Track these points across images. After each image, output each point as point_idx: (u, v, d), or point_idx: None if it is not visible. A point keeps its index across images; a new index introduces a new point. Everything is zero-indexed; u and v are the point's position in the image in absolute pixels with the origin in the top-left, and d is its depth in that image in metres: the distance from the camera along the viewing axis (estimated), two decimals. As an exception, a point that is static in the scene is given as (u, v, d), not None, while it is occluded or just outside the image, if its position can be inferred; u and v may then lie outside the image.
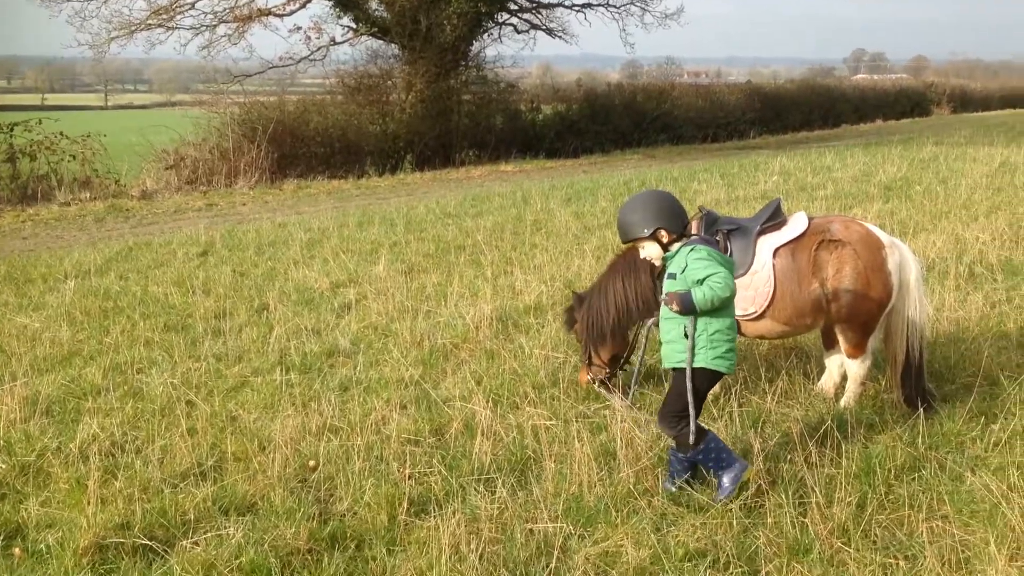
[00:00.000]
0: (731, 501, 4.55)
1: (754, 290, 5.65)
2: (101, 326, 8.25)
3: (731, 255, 5.60)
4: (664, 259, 4.69)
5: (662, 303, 4.60)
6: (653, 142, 29.94)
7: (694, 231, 5.57)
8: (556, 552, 4.13)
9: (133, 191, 18.81)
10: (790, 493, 4.54)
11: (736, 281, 5.51)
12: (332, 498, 4.85)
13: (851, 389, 5.90)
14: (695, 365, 4.52)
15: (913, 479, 4.69)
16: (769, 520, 4.35)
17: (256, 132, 20.74)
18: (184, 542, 4.33)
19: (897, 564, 3.95)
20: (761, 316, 5.73)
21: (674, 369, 4.67)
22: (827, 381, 6.15)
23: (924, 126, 36.54)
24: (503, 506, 4.59)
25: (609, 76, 47.28)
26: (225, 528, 4.42)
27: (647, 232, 4.61)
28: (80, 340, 7.81)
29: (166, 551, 4.27)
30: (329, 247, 11.80)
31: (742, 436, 5.36)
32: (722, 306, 4.48)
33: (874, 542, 4.18)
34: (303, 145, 22.20)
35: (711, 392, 5.89)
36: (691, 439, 4.55)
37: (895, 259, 5.68)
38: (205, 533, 4.41)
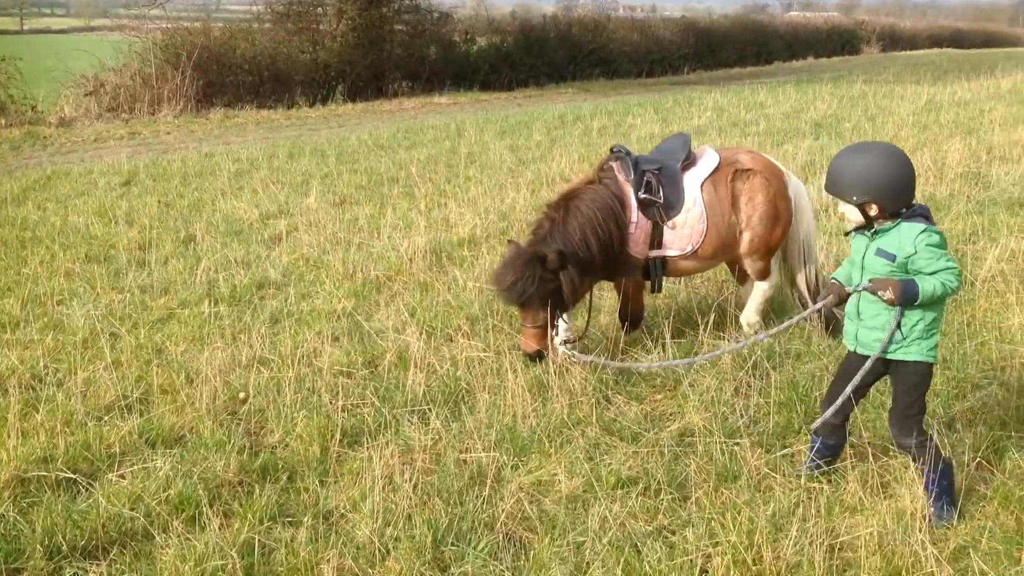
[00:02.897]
0: (662, 430, 4.62)
1: (690, 228, 5.57)
2: (19, 256, 7.98)
3: (663, 196, 5.48)
4: (872, 232, 3.87)
5: (859, 288, 3.88)
6: (588, 76, 29.80)
7: (618, 173, 5.50)
8: (490, 481, 4.14)
9: (51, 118, 18.12)
10: (719, 422, 4.61)
11: (673, 220, 5.50)
12: (263, 430, 4.79)
13: (757, 300, 5.95)
14: (905, 358, 3.85)
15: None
16: (699, 448, 4.41)
17: (180, 58, 20.05)
18: (110, 475, 4.25)
19: (821, 488, 4.05)
20: (693, 254, 5.70)
21: (895, 361, 3.92)
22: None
23: (854, 64, 36.91)
24: (437, 437, 4.58)
25: (544, 8, 46.61)
26: (152, 461, 4.34)
27: (856, 200, 3.80)
28: (-3, 271, 7.54)
29: (91, 484, 4.18)
30: (258, 178, 11.54)
31: (675, 368, 5.42)
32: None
33: (799, 469, 4.27)
34: (230, 73, 21.54)
35: (643, 327, 5.95)
36: (822, 424, 4.10)
37: (793, 185, 5.89)
38: (131, 466, 4.32)
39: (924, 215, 3.81)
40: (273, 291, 7.08)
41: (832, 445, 4.21)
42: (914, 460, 3.92)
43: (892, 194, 3.75)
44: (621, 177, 5.51)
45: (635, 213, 5.43)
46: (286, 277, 7.39)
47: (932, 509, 3.84)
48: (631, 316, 5.87)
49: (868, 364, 3.88)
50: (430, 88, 25.29)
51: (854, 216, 3.87)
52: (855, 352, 4.02)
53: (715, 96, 20.50)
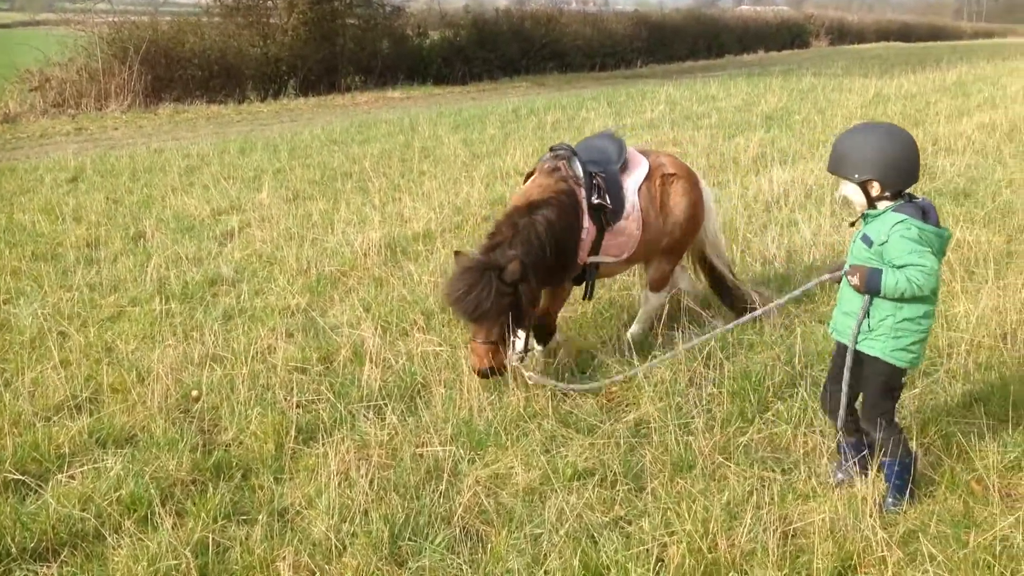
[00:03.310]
0: (617, 422, 4.65)
1: (628, 235, 5.39)
2: (-38, 255, 7.80)
3: (609, 202, 5.26)
4: (863, 216, 3.87)
5: (844, 272, 3.87)
6: (542, 70, 29.85)
7: (564, 171, 5.24)
8: (446, 475, 4.14)
9: (-6, 114, 17.73)
10: (674, 412, 4.65)
11: (614, 226, 5.30)
12: (216, 428, 4.74)
13: (648, 313, 5.85)
14: (868, 352, 3.84)
15: (790, 395, 4.85)
16: (655, 439, 4.45)
17: (127, 53, 19.73)
18: (60, 476, 4.17)
19: (774, 477, 4.10)
20: (624, 259, 5.55)
21: (863, 353, 3.90)
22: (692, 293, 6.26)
23: (803, 57, 37.36)
24: (393, 432, 4.56)
25: (497, 2, 46.58)
26: (103, 461, 4.27)
27: (857, 178, 3.76)
28: (-60, 270, 7.36)
29: (40, 485, 4.10)
30: (209, 173, 11.40)
31: (630, 361, 5.45)
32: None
33: (753, 457, 4.32)
34: (179, 67, 21.24)
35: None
36: (839, 425, 4.00)
37: (703, 188, 5.95)
38: (82, 467, 4.25)
39: (920, 209, 3.73)
40: (226, 288, 7.00)
41: (855, 443, 4.06)
42: (878, 449, 3.93)
43: (893, 171, 3.70)
44: (568, 181, 5.25)
45: (587, 218, 5.22)
46: (239, 273, 7.31)
47: (889, 498, 3.90)
48: (548, 328, 5.49)
49: (848, 360, 3.86)
50: (383, 82, 25.17)
51: (857, 198, 3.81)
52: (836, 340, 4.04)
53: (668, 89, 20.63)
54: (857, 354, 3.87)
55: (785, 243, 7.47)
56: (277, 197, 9.97)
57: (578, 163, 5.31)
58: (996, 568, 3.39)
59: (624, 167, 5.51)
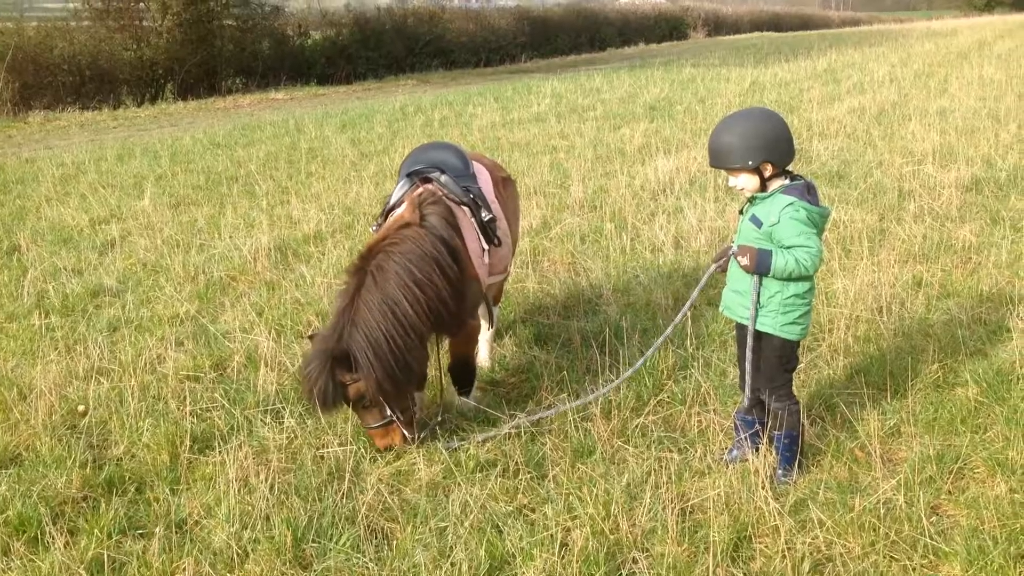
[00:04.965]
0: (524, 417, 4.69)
1: (506, 247, 4.94)
2: None
3: (485, 223, 4.72)
4: (751, 199, 3.92)
5: (731, 252, 3.94)
6: (427, 67, 29.76)
7: (442, 197, 4.56)
8: (348, 475, 4.10)
9: None
10: (573, 400, 4.72)
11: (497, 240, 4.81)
12: (106, 443, 4.59)
13: (489, 340, 5.42)
14: (760, 329, 3.94)
15: (684, 377, 4.98)
16: (554, 427, 4.51)
17: (-8, 60, 18.88)
18: (-61, 502, 3.98)
19: (671, 457, 4.21)
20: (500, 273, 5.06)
21: (743, 324, 4.03)
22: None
23: (682, 49, 38.21)
24: (292, 435, 4.51)
25: (378, 0, 46.25)
26: (-14, 483, 4.10)
27: (752, 164, 3.78)
28: None
29: (-82, 514, 3.91)
30: (86, 182, 11.01)
31: (527, 351, 5.51)
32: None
33: (650, 439, 4.42)
34: (48, 74, 20.46)
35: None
36: (745, 403, 4.08)
37: None
38: (-37, 491, 4.06)
39: (805, 190, 3.83)
40: (109, 299, 6.77)
41: (751, 420, 4.12)
42: (772, 422, 4.04)
43: (782, 148, 3.80)
44: (449, 203, 4.56)
45: (481, 239, 4.66)
46: (122, 283, 7.08)
47: (780, 470, 4.04)
48: (468, 372, 4.86)
49: (749, 340, 3.96)
50: (265, 84, 24.70)
51: (749, 184, 3.86)
52: (729, 318, 4.15)
53: (552, 83, 20.84)
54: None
55: (672, 230, 7.65)
56: (160, 204, 9.69)
57: (452, 182, 4.70)
58: (880, 529, 3.56)
59: (473, 176, 4.94)
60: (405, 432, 4.30)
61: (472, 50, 32.05)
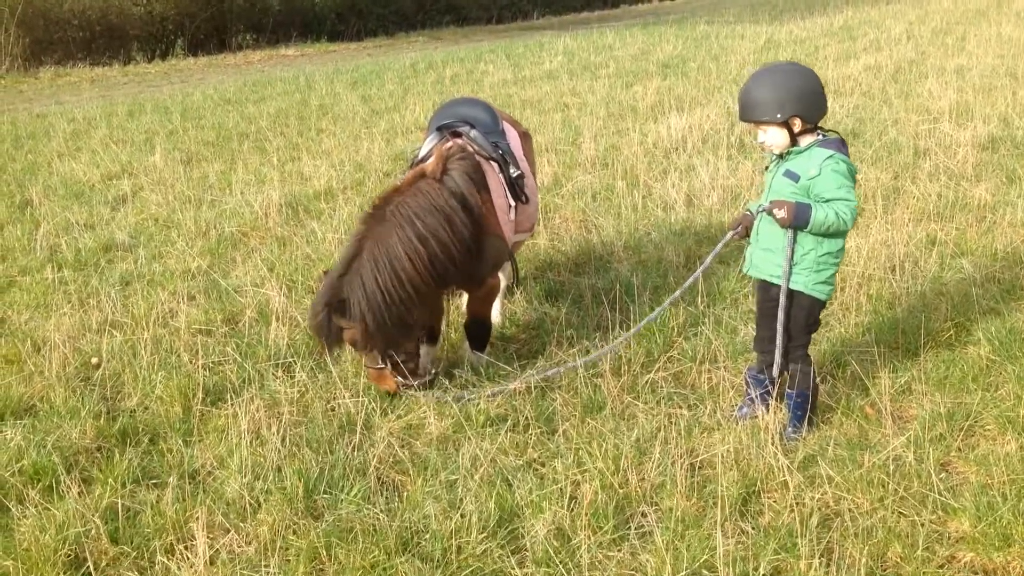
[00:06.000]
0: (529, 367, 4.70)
1: (533, 204, 4.97)
2: None
3: (513, 179, 4.74)
4: (784, 153, 3.88)
5: (761, 208, 3.86)
6: (438, 24, 29.48)
7: (470, 150, 4.59)
8: (359, 428, 4.13)
9: None
10: (583, 356, 4.72)
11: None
12: (120, 394, 4.63)
13: (501, 297, 5.34)
14: (792, 287, 3.87)
15: (694, 334, 4.98)
16: (564, 383, 4.52)
17: (2, 16, 18.77)
18: (-45, 451, 4.03)
19: (680, 413, 4.22)
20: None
21: (769, 284, 3.98)
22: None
23: (696, 6, 37.68)
24: (303, 388, 4.53)
25: (390, -45, 45.73)
26: (1, 432, 4.14)
27: (781, 117, 3.75)
28: None
29: (-65, 463, 3.95)
30: (98, 138, 11.00)
31: (538, 308, 5.51)
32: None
33: (660, 395, 4.42)
34: (58, 29, 20.40)
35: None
36: (775, 371, 3.99)
37: None
38: (-21, 440, 4.11)
39: (839, 144, 3.84)
40: (121, 253, 6.80)
41: (763, 379, 4.10)
42: (789, 380, 4.04)
43: (811, 103, 3.78)
44: (476, 159, 4.55)
45: (508, 195, 4.66)
46: (134, 238, 7.10)
47: (789, 428, 4.05)
48: (485, 328, 4.91)
49: (782, 300, 3.89)
50: (275, 40, 24.54)
51: (778, 140, 3.83)
52: (755, 278, 4.09)
53: (565, 40, 20.62)
54: (778, 289, 3.93)
55: (685, 187, 7.60)
56: (171, 159, 9.67)
57: (481, 137, 4.71)
58: (889, 485, 3.57)
59: (503, 133, 4.96)
60: (400, 380, 4.36)
61: (484, 6, 31.70)
